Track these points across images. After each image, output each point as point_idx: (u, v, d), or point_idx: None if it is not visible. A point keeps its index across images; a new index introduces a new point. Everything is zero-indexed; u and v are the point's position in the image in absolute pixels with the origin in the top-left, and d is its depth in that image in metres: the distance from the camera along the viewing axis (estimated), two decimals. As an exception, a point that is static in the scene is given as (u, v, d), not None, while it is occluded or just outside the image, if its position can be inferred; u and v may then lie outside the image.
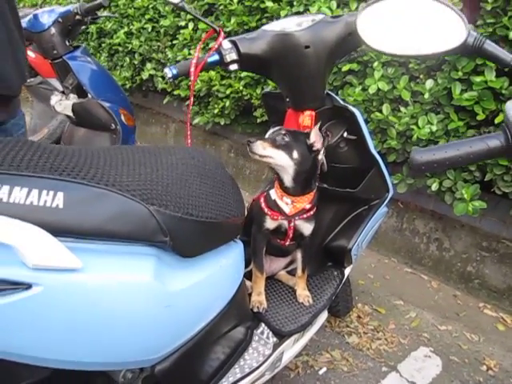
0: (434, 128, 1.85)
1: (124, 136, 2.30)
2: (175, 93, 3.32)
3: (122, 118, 2.29)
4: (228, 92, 2.80)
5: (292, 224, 1.34)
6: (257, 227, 1.39)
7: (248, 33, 1.40)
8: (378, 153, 1.50)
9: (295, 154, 1.26)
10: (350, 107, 1.41)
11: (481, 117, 1.76)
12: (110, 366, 0.87)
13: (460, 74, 1.79)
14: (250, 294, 1.39)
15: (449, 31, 0.73)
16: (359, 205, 1.58)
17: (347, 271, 1.62)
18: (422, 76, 1.99)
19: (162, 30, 3.25)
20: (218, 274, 1.02)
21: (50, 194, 0.72)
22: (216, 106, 2.98)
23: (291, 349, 1.39)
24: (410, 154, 0.67)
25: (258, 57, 1.34)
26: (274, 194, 1.34)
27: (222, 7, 2.71)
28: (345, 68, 2.17)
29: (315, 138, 1.27)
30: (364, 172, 1.48)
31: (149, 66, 3.45)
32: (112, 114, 2.24)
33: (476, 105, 1.77)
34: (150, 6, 3.34)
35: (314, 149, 1.28)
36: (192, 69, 1.31)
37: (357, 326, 1.96)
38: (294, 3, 2.31)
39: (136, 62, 3.55)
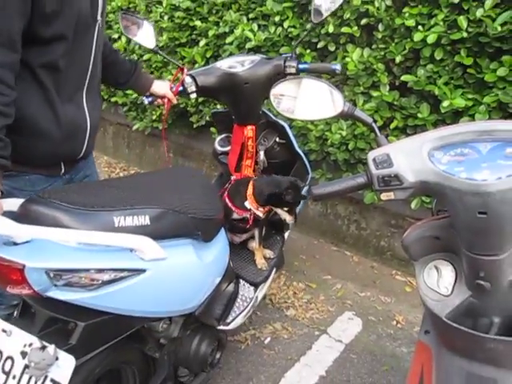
0: (344, 133, 2.25)
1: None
2: (112, 100, 3.50)
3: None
4: (164, 100, 3.03)
5: (252, 215, 1.85)
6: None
7: (205, 67, 1.90)
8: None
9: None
10: (280, 121, 1.92)
11: (379, 123, 2.17)
12: (179, 312, 1.43)
13: (361, 88, 2.18)
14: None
15: (333, 102, 1.08)
16: None
17: (286, 235, 2.16)
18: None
19: (94, 41, 3.38)
20: (221, 249, 1.59)
21: (141, 217, 1.22)
22: (154, 112, 3.21)
23: (260, 292, 1.94)
24: (310, 189, 1.02)
25: (210, 88, 1.82)
26: (248, 204, 1.83)
27: (152, 23, 2.91)
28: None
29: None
30: (292, 164, 2.03)
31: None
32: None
33: (375, 113, 2.18)
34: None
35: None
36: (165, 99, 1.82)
37: (293, 301, 2.35)
38: (220, 24, 2.59)
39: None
